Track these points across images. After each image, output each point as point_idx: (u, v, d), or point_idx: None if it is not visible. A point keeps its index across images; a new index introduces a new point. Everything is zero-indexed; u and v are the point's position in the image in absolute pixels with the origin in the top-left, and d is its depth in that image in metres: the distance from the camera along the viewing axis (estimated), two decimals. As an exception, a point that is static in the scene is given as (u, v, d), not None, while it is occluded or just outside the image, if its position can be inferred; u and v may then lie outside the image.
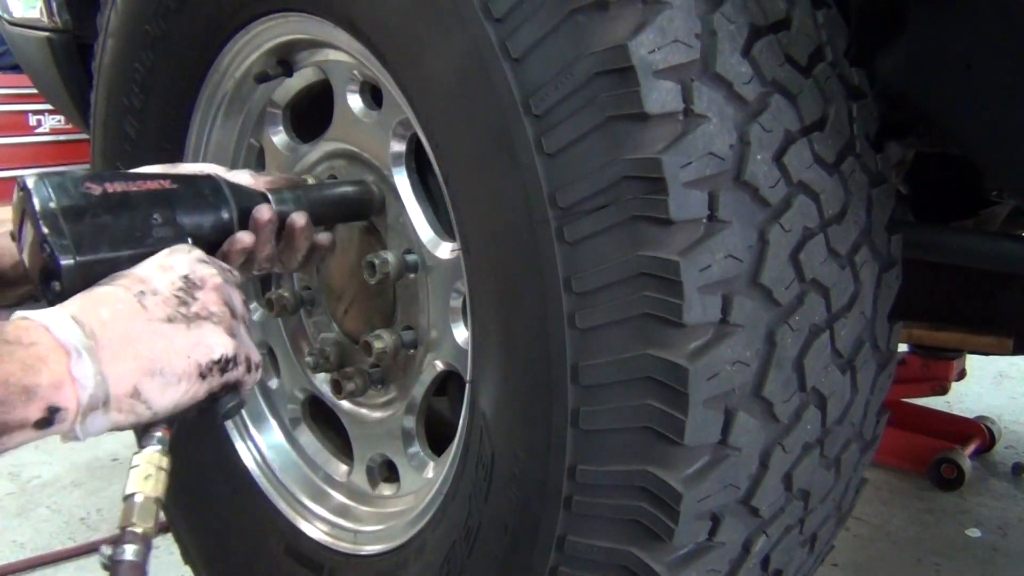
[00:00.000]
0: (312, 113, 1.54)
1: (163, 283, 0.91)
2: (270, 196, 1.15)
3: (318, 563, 1.51)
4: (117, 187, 0.98)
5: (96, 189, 0.96)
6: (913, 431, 2.64)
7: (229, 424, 1.67)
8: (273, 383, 1.69)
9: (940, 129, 1.31)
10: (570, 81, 0.97)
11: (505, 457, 1.12)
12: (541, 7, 0.98)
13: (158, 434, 0.91)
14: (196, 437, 1.70)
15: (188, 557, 1.78)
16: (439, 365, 1.37)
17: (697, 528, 1.06)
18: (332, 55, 1.42)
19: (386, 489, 1.53)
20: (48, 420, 0.80)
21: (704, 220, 0.97)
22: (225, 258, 1.07)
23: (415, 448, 1.46)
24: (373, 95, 1.40)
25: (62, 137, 3.79)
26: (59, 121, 3.72)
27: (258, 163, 1.63)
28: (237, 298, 0.97)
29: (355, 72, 1.39)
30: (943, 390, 2.78)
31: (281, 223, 1.15)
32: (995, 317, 1.73)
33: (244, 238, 1.09)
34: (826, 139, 1.08)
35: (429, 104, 1.13)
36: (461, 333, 1.31)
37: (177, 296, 0.90)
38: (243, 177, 1.18)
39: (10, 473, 2.67)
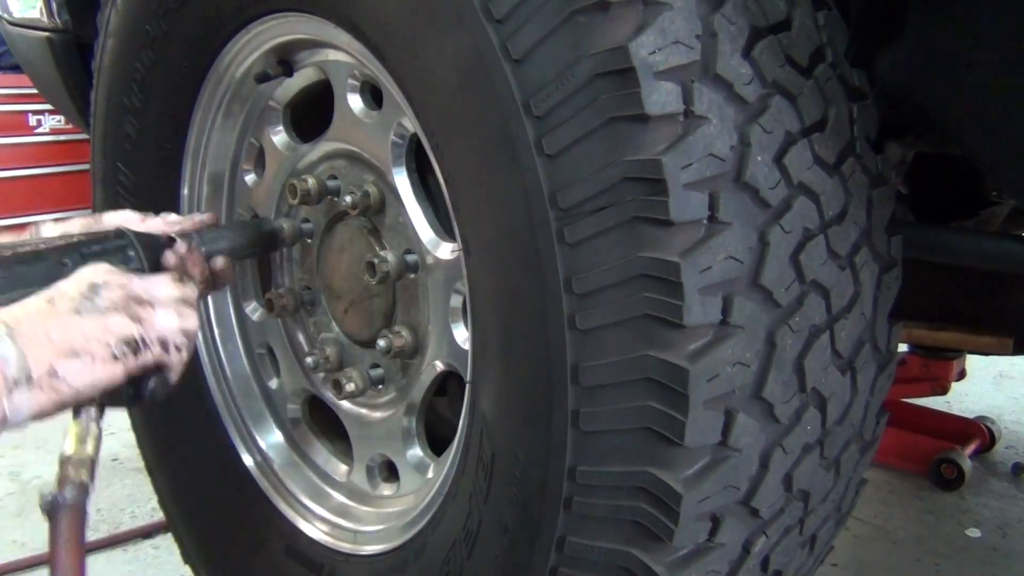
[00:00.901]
0: (312, 113, 1.54)
1: (69, 287, 0.99)
2: (176, 240, 1.21)
3: (318, 563, 1.51)
4: (27, 247, 1.06)
5: (6, 251, 1.04)
6: (913, 431, 2.64)
7: (229, 423, 1.67)
8: (273, 383, 1.69)
9: (940, 129, 1.31)
10: (571, 82, 0.97)
11: (505, 458, 1.12)
12: (542, 8, 0.98)
13: (90, 411, 0.99)
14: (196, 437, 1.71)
15: (188, 557, 1.78)
16: (439, 365, 1.37)
17: (697, 529, 1.06)
18: (332, 55, 1.42)
19: (386, 489, 1.53)
20: None
21: (704, 221, 0.97)
22: None
23: (415, 448, 1.46)
24: (373, 95, 1.40)
25: (62, 137, 3.79)
26: (59, 121, 3.72)
27: (258, 163, 1.63)
28: (154, 289, 1.05)
29: (355, 72, 1.39)
30: (943, 390, 2.78)
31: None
32: (995, 317, 1.73)
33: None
34: (826, 140, 1.08)
35: (430, 105, 1.13)
36: (461, 333, 1.31)
37: (83, 295, 0.98)
38: (153, 222, 1.24)
39: (10, 473, 2.67)
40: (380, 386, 1.48)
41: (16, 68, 2.95)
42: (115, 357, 0.97)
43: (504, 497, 1.13)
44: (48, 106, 3.34)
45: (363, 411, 1.53)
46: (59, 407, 0.95)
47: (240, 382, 1.70)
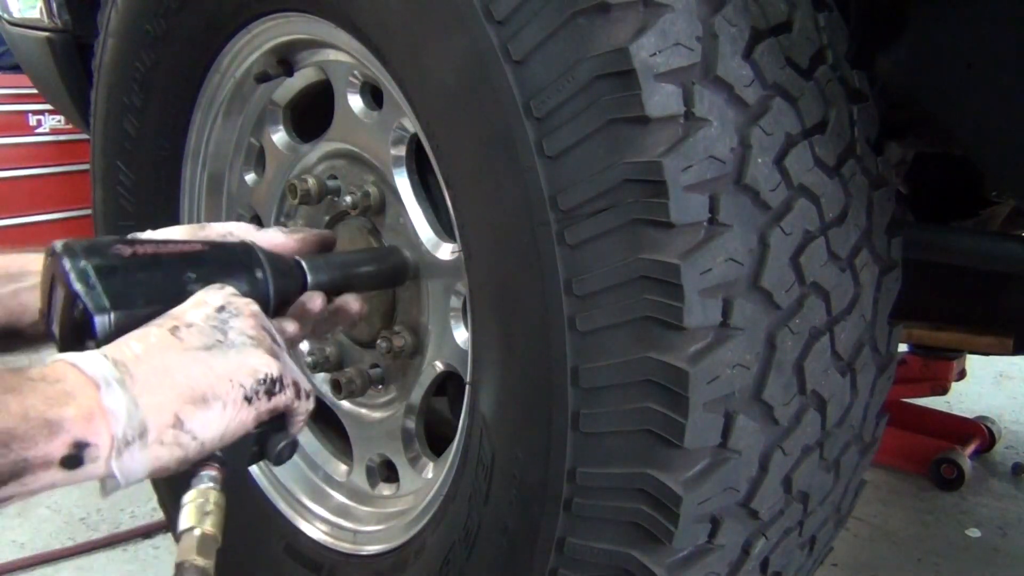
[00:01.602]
0: (313, 113, 1.54)
1: (197, 316, 0.86)
2: (306, 268, 1.08)
3: (318, 563, 1.51)
4: (147, 248, 0.94)
5: (126, 251, 0.91)
6: (913, 431, 2.65)
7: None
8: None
9: (940, 129, 1.31)
10: (571, 84, 0.97)
11: (505, 459, 1.12)
12: (542, 9, 0.97)
13: (211, 472, 0.85)
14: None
15: (188, 556, 1.78)
16: (439, 366, 1.37)
17: (697, 531, 1.06)
18: (333, 55, 1.42)
19: (386, 489, 1.53)
20: (76, 458, 0.72)
21: (705, 223, 0.97)
22: None
23: (415, 449, 1.46)
24: (374, 95, 1.40)
25: (62, 137, 3.78)
26: (59, 121, 3.71)
27: (258, 163, 1.63)
28: (285, 324, 0.94)
29: (356, 72, 1.39)
30: (943, 390, 2.78)
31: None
32: (995, 317, 1.72)
33: (289, 327, 1.05)
34: (827, 142, 1.08)
35: (430, 106, 1.13)
36: (461, 334, 1.31)
37: (213, 325, 0.85)
38: (275, 235, 1.13)
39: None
40: (380, 386, 1.48)
41: (16, 68, 2.94)
42: (247, 400, 0.83)
43: (504, 498, 1.13)
44: (48, 106, 3.34)
45: (363, 411, 1.53)
46: (182, 464, 0.82)
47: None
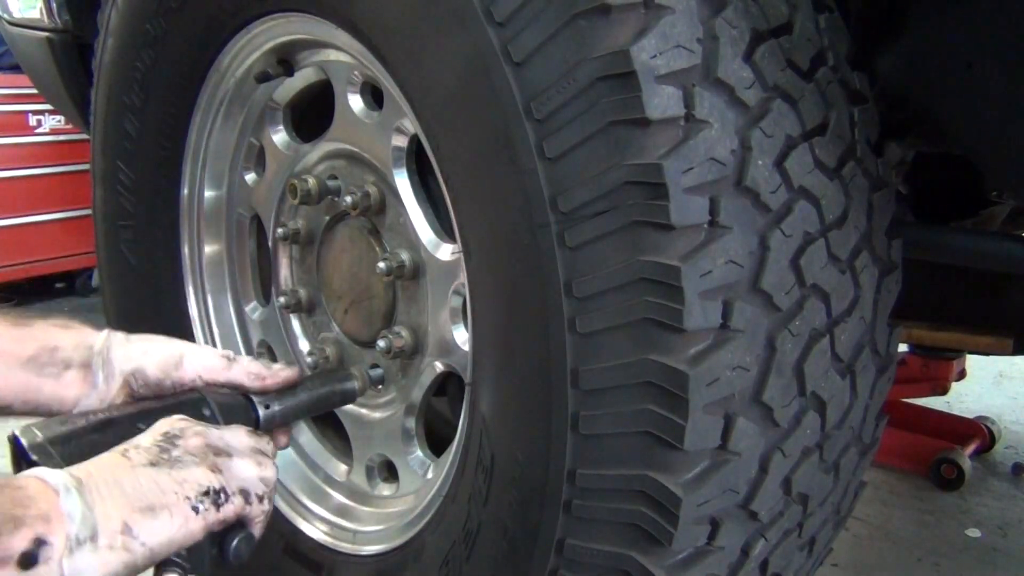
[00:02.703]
0: (313, 113, 1.54)
1: (145, 439, 0.93)
2: (258, 408, 1.13)
3: (317, 563, 1.51)
4: (99, 415, 1.01)
5: (80, 420, 0.99)
6: (913, 431, 2.65)
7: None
8: (273, 383, 1.69)
9: (940, 129, 1.30)
10: (572, 86, 0.96)
11: (505, 460, 1.12)
12: (543, 11, 0.97)
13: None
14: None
15: (188, 556, 1.78)
16: (439, 366, 1.37)
17: (696, 532, 1.06)
18: (333, 55, 1.41)
19: (385, 489, 1.53)
20: (32, 555, 0.78)
21: (705, 225, 0.97)
22: None
23: (415, 449, 1.47)
24: (374, 96, 1.40)
25: (62, 137, 3.78)
26: (59, 121, 3.71)
27: (258, 162, 1.63)
28: (231, 438, 0.99)
29: (356, 73, 1.39)
30: (943, 390, 2.78)
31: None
32: (995, 317, 1.72)
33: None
34: (827, 144, 1.08)
35: (430, 107, 1.13)
36: (461, 334, 1.31)
37: (159, 445, 0.92)
38: (239, 375, 1.14)
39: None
40: (380, 386, 1.48)
41: (16, 68, 2.94)
42: (195, 510, 0.89)
43: (503, 499, 1.13)
44: (48, 106, 3.33)
45: (363, 411, 1.53)
46: (131, 569, 0.85)
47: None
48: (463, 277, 1.18)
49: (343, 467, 1.62)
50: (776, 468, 1.08)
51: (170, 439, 0.93)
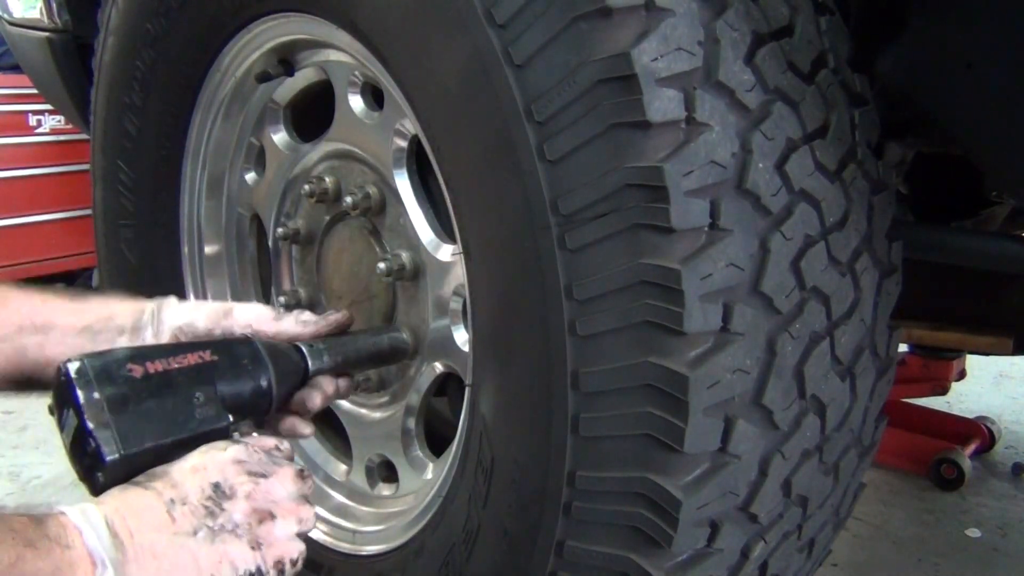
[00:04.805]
0: (313, 113, 1.54)
1: (194, 490, 0.92)
2: (306, 354, 1.14)
3: (317, 563, 1.51)
4: (159, 366, 0.99)
5: (138, 371, 0.97)
6: (913, 431, 2.65)
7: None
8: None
9: (940, 129, 1.30)
10: (573, 88, 0.96)
11: (505, 461, 1.12)
12: (544, 13, 0.97)
13: None
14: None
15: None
16: (439, 367, 1.37)
17: (696, 535, 1.06)
18: (333, 55, 1.41)
19: (385, 490, 1.53)
20: None
21: (705, 228, 0.97)
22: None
23: (414, 449, 1.47)
24: (375, 96, 1.40)
25: (62, 137, 3.78)
26: (59, 121, 3.70)
27: (258, 162, 1.63)
28: (278, 489, 0.97)
29: (356, 73, 1.39)
30: (943, 390, 2.78)
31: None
32: (995, 317, 1.72)
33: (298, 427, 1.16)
34: (828, 146, 1.08)
35: (431, 108, 1.13)
36: (461, 335, 1.31)
37: (205, 506, 0.91)
38: (289, 325, 1.18)
39: (10, 473, 2.67)
40: (380, 386, 1.47)
41: (16, 68, 2.93)
42: None
43: (503, 500, 1.13)
44: (48, 106, 3.33)
45: (362, 411, 1.53)
46: None
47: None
48: (463, 278, 1.18)
49: (343, 467, 1.62)
50: (776, 470, 1.08)
51: (219, 497, 0.92)
